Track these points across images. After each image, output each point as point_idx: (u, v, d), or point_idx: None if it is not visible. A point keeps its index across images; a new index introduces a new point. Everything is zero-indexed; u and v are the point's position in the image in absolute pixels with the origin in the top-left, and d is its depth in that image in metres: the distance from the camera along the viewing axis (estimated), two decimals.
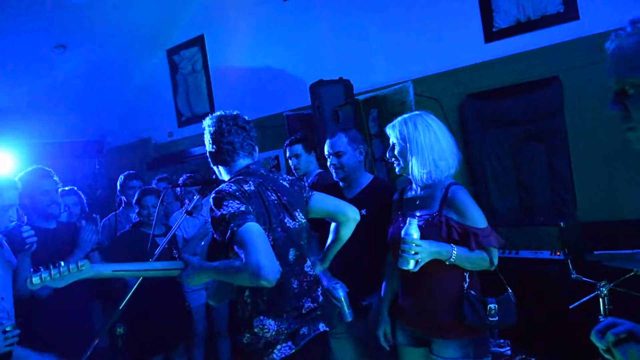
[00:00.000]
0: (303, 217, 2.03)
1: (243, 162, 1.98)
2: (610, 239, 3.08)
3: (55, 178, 2.93)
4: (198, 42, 6.02)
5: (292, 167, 3.49)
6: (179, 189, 4.13)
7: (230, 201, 1.70)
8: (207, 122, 2.04)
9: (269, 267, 1.56)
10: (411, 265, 1.91)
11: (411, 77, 4.12)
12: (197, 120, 6.09)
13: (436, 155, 2.06)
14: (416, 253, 1.90)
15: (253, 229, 1.65)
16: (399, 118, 2.19)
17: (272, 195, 1.90)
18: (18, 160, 5.21)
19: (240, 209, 1.68)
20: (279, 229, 1.86)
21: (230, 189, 1.76)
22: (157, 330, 3.30)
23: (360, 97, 4.26)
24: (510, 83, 3.81)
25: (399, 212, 2.25)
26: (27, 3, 4.33)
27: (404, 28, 4.40)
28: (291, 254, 1.91)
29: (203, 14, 5.89)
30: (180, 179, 3.91)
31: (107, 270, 1.79)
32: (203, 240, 3.75)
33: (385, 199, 2.50)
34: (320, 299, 2.00)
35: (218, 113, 2.03)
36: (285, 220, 1.91)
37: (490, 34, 3.96)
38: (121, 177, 4.19)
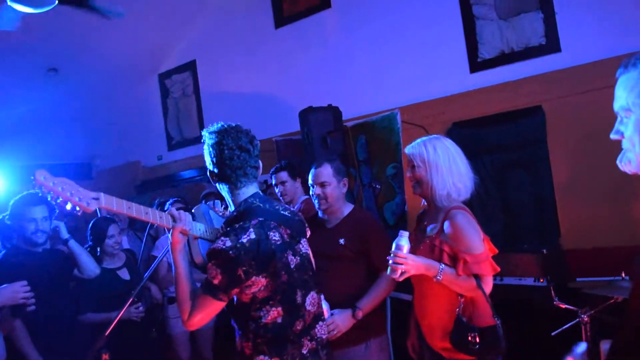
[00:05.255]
0: (306, 247, 1.97)
1: (246, 190, 1.88)
2: (593, 266, 3.12)
3: (44, 207, 2.91)
4: (190, 67, 6.09)
5: (279, 193, 3.54)
6: None
7: (214, 268, 1.69)
8: (207, 139, 1.86)
9: (193, 328, 1.79)
10: (397, 274, 1.98)
11: (399, 104, 4.21)
12: (187, 144, 6.14)
13: (455, 177, 2.11)
14: (402, 264, 1.96)
15: (209, 304, 1.73)
16: (419, 140, 2.23)
17: (275, 235, 1.78)
18: (6, 182, 5.20)
19: (213, 282, 1.69)
20: (283, 272, 1.77)
21: (224, 247, 1.67)
22: (139, 357, 3.26)
23: (349, 124, 4.33)
24: (494, 112, 3.91)
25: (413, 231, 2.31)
26: (20, 26, 4.36)
27: (392, 57, 4.50)
28: (299, 296, 1.83)
29: (195, 39, 5.98)
30: (167, 203, 3.87)
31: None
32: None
33: (362, 228, 2.60)
34: (318, 336, 1.89)
35: (219, 128, 1.85)
36: (289, 260, 1.82)
37: (476, 64, 4.07)
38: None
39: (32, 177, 1.50)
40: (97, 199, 1.57)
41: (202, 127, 5.95)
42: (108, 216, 3.64)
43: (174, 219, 1.80)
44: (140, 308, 3.15)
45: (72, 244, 3.07)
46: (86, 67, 5.57)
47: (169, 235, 1.82)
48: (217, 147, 1.82)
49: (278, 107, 5.20)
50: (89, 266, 3.13)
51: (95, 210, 1.59)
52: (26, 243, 2.89)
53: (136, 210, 1.68)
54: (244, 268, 1.67)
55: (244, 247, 1.67)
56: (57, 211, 3.02)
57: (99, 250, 3.36)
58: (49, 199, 1.52)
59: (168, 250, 2.51)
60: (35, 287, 2.45)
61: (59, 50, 5.09)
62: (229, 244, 1.67)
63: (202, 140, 1.90)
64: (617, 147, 1.27)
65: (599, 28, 3.55)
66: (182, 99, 6.22)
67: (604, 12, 3.53)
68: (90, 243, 3.40)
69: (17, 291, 2.37)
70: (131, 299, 1.96)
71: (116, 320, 1.89)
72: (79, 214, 1.56)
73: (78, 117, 6.36)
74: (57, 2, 3.26)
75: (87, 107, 6.31)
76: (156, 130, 6.48)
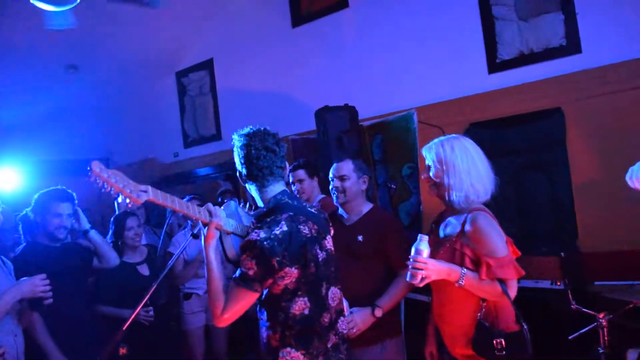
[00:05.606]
0: (331, 244, 2.03)
1: (274, 188, 1.95)
2: (611, 270, 3.08)
3: (70, 204, 2.96)
4: (207, 65, 6.13)
5: (295, 192, 3.54)
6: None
7: (249, 260, 1.74)
8: (236, 142, 1.97)
9: (228, 322, 1.83)
10: (417, 279, 1.91)
11: (415, 104, 4.19)
12: (203, 141, 6.18)
13: (474, 179, 2.03)
14: (422, 269, 1.90)
15: (244, 296, 1.78)
16: (436, 140, 2.15)
17: (305, 229, 1.86)
18: (23, 177, 5.29)
19: (249, 273, 1.74)
20: (312, 264, 1.85)
21: (258, 238, 1.73)
22: (154, 352, 3.30)
23: (365, 124, 4.32)
24: (513, 113, 3.87)
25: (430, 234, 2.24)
26: (41, 23, 4.43)
27: (409, 56, 4.48)
28: (324, 288, 1.91)
29: (213, 38, 6.02)
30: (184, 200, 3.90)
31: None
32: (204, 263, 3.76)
33: (381, 226, 2.58)
34: (340, 330, 1.97)
35: (247, 131, 1.96)
36: (317, 253, 1.90)
37: (494, 65, 4.04)
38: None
39: (88, 168, 1.55)
40: (145, 191, 1.65)
41: (218, 125, 6.05)
42: (127, 210, 3.70)
43: (211, 214, 1.86)
44: (151, 312, 3.17)
45: (93, 234, 3.12)
46: (105, 64, 5.65)
47: (204, 230, 1.87)
48: (245, 148, 1.92)
49: (294, 105, 5.21)
50: (110, 255, 3.18)
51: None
52: (47, 237, 2.92)
53: (179, 204, 1.76)
54: (278, 258, 1.73)
55: (277, 238, 1.74)
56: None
57: (120, 243, 3.45)
58: (102, 190, 1.58)
59: (185, 248, 2.56)
60: (54, 281, 2.48)
61: (78, 47, 5.16)
62: (263, 235, 1.74)
63: (231, 143, 1.99)
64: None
65: (620, 30, 3.50)
66: (199, 97, 6.27)
67: (625, 14, 3.48)
68: (112, 238, 3.48)
69: (36, 285, 2.40)
70: (144, 300, 1.97)
71: (131, 318, 1.91)
72: (130, 205, 1.64)
73: (96, 113, 6.45)
74: (78, 0, 3.29)
75: (105, 104, 6.39)
76: (173, 128, 6.55)
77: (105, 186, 1.59)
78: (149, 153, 6.82)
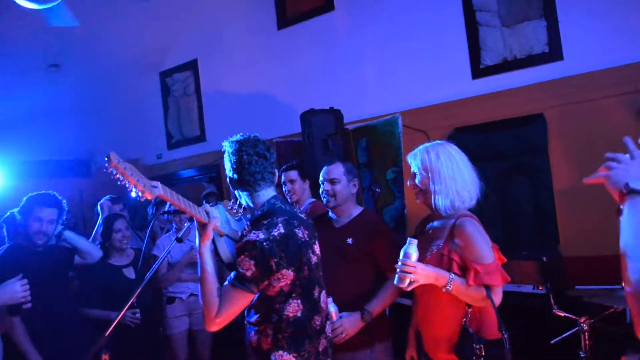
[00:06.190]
0: (318, 250, 2.07)
1: (265, 193, 1.99)
2: (592, 274, 3.12)
3: (54, 210, 2.92)
4: (191, 66, 6.09)
5: (286, 192, 3.51)
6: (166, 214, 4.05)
7: (248, 260, 1.76)
8: (227, 148, 2.00)
9: (221, 326, 1.83)
10: (405, 283, 1.92)
11: (400, 108, 4.21)
12: (186, 143, 6.13)
13: (459, 185, 2.03)
14: (411, 273, 1.90)
15: (240, 298, 1.80)
16: (421, 147, 2.15)
17: (300, 232, 1.90)
18: (3, 178, 5.19)
19: (246, 274, 1.76)
20: (306, 267, 1.89)
21: (258, 238, 1.76)
22: (138, 356, 3.25)
23: (350, 127, 4.33)
24: (496, 118, 3.92)
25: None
26: (23, 22, 4.36)
27: (394, 61, 4.51)
28: (316, 291, 1.95)
29: (198, 39, 5.98)
30: (167, 203, 3.84)
31: None
32: (188, 265, 3.73)
33: (371, 229, 2.56)
34: (328, 334, 2.01)
35: (238, 138, 1.99)
36: (310, 257, 1.94)
37: (478, 71, 4.08)
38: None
39: (106, 158, 1.56)
40: (156, 187, 1.68)
41: (202, 127, 6.01)
42: (117, 212, 3.66)
43: (208, 215, 1.88)
44: (137, 315, 3.13)
45: (67, 234, 3.07)
46: (87, 63, 5.58)
47: (200, 230, 1.89)
48: (237, 153, 1.95)
49: (279, 108, 5.20)
50: (90, 249, 3.15)
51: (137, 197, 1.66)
52: (27, 241, 2.88)
53: (184, 202, 1.81)
54: (276, 260, 1.77)
55: (276, 239, 1.78)
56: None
57: (107, 245, 3.43)
58: (118, 183, 1.60)
59: (169, 251, 2.53)
60: (34, 285, 2.43)
61: (60, 46, 5.09)
62: (262, 236, 1.78)
63: (222, 150, 2.03)
64: None
65: (601, 38, 3.57)
66: (183, 98, 6.22)
67: (606, 22, 3.54)
68: (99, 239, 3.47)
69: (17, 291, 2.36)
70: (130, 302, 1.95)
71: (114, 324, 1.89)
72: (142, 199, 1.66)
73: (78, 114, 6.36)
74: None
75: (87, 103, 6.31)
76: (156, 129, 6.48)
77: (121, 178, 1.61)
78: (131, 154, 6.73)
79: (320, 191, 2.71)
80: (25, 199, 2.91)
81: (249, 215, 2.07)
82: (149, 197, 1.67)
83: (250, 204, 2.01)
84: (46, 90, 5.66)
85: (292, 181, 3.48)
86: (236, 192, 2.04)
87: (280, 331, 1.84)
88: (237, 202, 2.16)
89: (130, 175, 1.61)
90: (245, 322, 1.97)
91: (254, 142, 1.97)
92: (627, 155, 1.25)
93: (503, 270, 2.01)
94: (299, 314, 1.85)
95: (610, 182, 1.20)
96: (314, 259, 1.98)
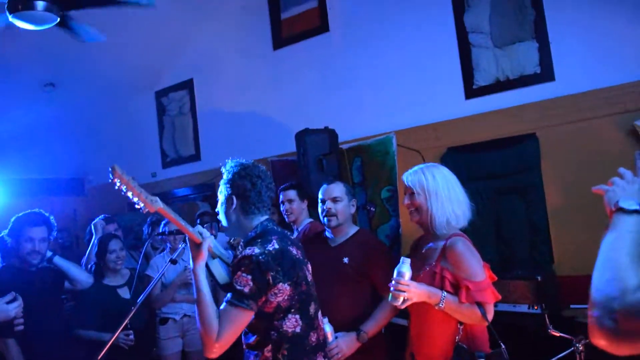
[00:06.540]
0: (310, 271, 2.08)
1: (260, 217, 2.00)
2: (587, 293, 3.11)
3: (44, 228, 2.91)
4: (187, 85, 6.12)
5: (284, 211, 3.51)
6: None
7: (245, 275, 1.76)
8: (226, 172, 2.02)
9: (222, 350, 1.78)
10: (399, 301, 1.96)
11: (394, 128, 4.26)
12: (181, 162, 6.13)
13: (455, 205, 2.11)
14: (404, 291, 1.94)
15: (241, 317, 1.77)
16: (416, 168, 2.23)
17: (294, 250, 1.94)
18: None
19: (244, 290, 1.75)
20: (303, 283, 1.92)
21: (253, 253, 1.79)
22: None
23: (345, 146, 4.36)
24: (489, 138, 3.95)
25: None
26: (19, 40, 4.38)
27: (388, 81, 4.55)
28: (312, 308, 1.96)
29: (194, 58, 6.02)
30: (162, 223, 3.83)
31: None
32: (182, 286, 3.69)
33: (367, 249, 2.58)
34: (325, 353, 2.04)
35: (237, 162, 2.02)
36: (306, 273, 1.99)
37: (471, 91, 4.12)
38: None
39: (111, 169, 1.60)
40: (156, 200, 1.71)
41: (197, 146, 6.02)
42: (111, 232, 3.64)
43: (202, 235, 1.89)
44: (131, 336, 3.08)
45: (57, 259, 3.07)
46: (83, 82, 5.58)
47: (191, 250, 1.89)
48: (236, 180, 1.98)
49: (274, 127, 5.22)
50: (80, 277, 3.15)
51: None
52: (21, 262, 2.87)
53: (181, 220, 1.83)
54: (272, 273, 1.78)
55: (271, 253, 1.81)
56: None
57: (102, 265, 3.40)
58: (122, 194, 1.64)
59: (163, 272, 2.53)
60: (27, 305, 2.42)
61: (56, 65, 5.11)
62: (257, 250, 1.80)
63: (221, 171, 2.06)
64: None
65: (592, 59, 3.62)
66: (179, 117, 6.24)
67: (597, 43, 3.60)
68: (94, 259, 3.44)
69: (9, 310, 2.34)
70: (124, 324, 1.94)
71: (108, 345, 1.87)
72: (144, 212, 1.68)
73: (73, 132, 6.35)
74: (58, 19, 3.28)
75: (82, 122, 6.30)
76: (151, 148, 6.48)
77: (125, 189, 1.64)
78: (126, 173, 6.71)
79: (320, 211, 2.70)
80: (12, 220, 2.90)
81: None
82: (151, 210, 1.69)
83: (245, 227, 2.00)
84: (41, 109, 5.65)
85: (290, 201, 3.48)
86: (231, 213, 2.01)
87: (280, 350, 1.83)
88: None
89: (134, 187, 1.64)
90: (244, 345, 1.95)
91: (252, 168, 2.01)
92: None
93: (494, 288, 2.07)
94: (297, 330, 1.85)
95: (606, 197, 1.23)
96: (309, 276, 2.02)
